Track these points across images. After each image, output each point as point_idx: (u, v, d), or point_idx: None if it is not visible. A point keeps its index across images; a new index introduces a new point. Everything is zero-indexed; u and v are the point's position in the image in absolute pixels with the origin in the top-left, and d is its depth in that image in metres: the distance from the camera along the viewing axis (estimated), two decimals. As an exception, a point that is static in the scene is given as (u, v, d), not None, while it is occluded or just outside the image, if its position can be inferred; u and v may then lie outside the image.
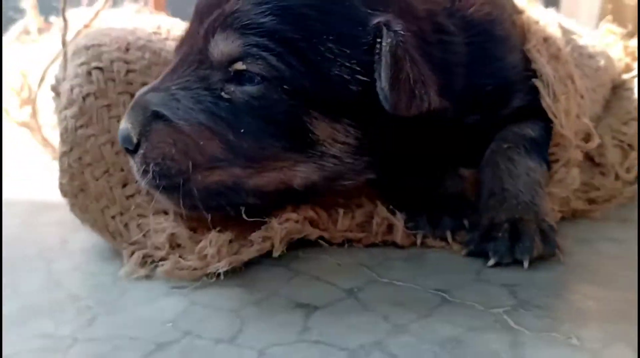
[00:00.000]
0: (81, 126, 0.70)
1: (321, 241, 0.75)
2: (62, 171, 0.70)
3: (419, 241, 0.75)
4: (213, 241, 0.64)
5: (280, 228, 0.68)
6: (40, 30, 1.24)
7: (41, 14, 1.23)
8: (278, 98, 0.64)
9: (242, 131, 0.65)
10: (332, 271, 0.71)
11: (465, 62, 0.76)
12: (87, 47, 0.76)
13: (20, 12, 1.25)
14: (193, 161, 0.64)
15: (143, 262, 0.67)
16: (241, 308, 0.61)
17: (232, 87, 0.65)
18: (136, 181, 0.67)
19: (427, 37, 0.72)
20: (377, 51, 0.64)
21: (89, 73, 0.73)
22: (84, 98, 0.71)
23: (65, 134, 0.70)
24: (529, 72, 0.84)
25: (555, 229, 0.73)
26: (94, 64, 0.73)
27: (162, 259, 0.66)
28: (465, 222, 0.77)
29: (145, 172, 0.64)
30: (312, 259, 0.73)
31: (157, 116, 0.65)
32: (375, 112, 0.66)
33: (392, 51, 0.64)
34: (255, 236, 0.68)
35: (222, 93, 0.65)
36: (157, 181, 0.64)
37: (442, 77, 0.70)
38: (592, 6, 1.95)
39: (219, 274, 0.65)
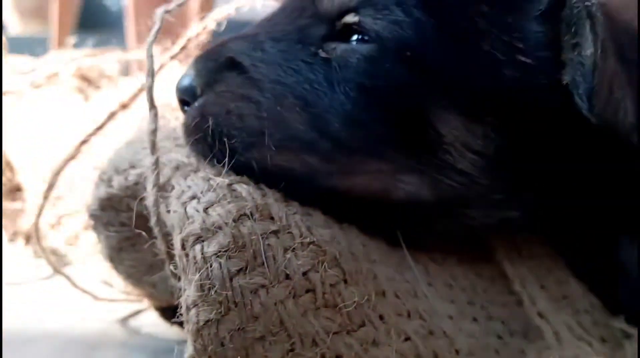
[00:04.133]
0: (239, 272, 0.37)
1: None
2: (202, 353, 0.36)
3: None
4: None
5: None
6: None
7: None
8: (394, 68, 0.42)
9: (335, 104, 0.42)
10: None
11: None
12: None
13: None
14: (263, 128, 0.43)
15: None
16: None
17: (333, 45, 0.44)
18: None
19: (625, 51, 0.48)
20: (569, 17, 0.42)
21: (231, 187, 0.40)
22: (235, 221, 0.38)
23: (207, 289, 0.36)
24: None
25: None
26: (233, 178, 0.41)
27: None
28: None
29: (196, 128, 0.44)
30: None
31: (232, 64, 0.46)
32: (533, 113, 0.43)
33: (596, 17, 0.41)
34: None
35: (320, 51, 0.45)
36: (211, 142, 0.43)
37: None
38: None
39: None
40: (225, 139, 0.43)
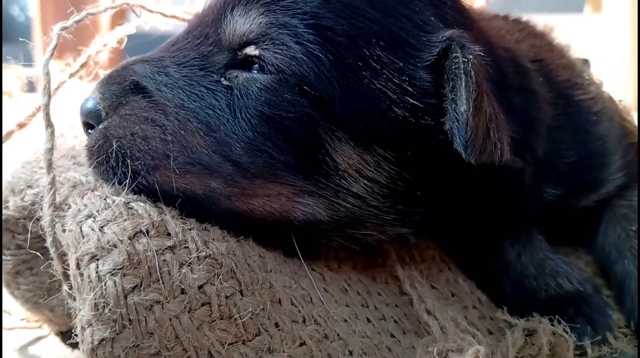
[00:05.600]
0: (134, 289, 0.37)
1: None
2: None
3: (592, 354, 0.53)
4: None
5: None
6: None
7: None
8: (293, 100, 0.44)
9: (237, 130, 0.43)
10: None
11: (549, 123, 0.59)
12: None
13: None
14: (167, 151, 0.44)
15: None
16: None
17: (235, 72, 0.46)
18: None
19: (508, 79, 0.54)
20: (449, 70, 0.45)
21: (128, 205, 0.40)
22: (131, 239, 0.38)
23: (101, 308, 0.36)
24: None
25: None
26: (130, 196, 0.41)
27: None
28: (614, 316, 0.58)
29: (100, 150, 0.44)
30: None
31: (136, 87, 0.46)
32: (421, 148, 0.47)
33: (474, 71, 0.44)
34: None
35: (222, 78, 0.46)
36: (114, 164, 0.44)
37: (519, 131, 0.53)
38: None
39: None
40: (129, 161, 0.43)
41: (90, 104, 0.47)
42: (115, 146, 0.44)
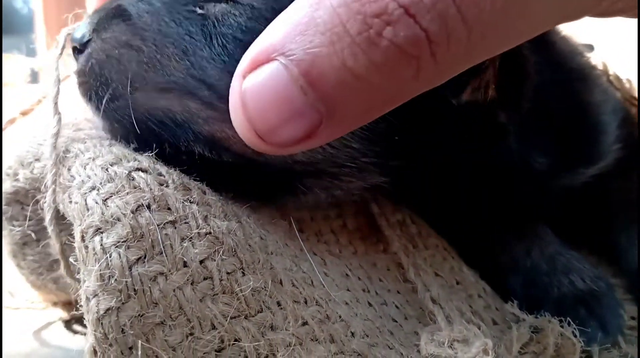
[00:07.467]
0: (138, 260, 0.38)
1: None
2: (103, 342, 0.37)
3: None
4: None
5: None
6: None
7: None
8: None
9: (212, 55, 0.44)
10: None
11: (534, 86, 0.56)
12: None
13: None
14: (144, 72, 0.46)
15: None
16: None
17: (212, 4, 0.46)
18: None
19: None
20: None
21: (130, 176, 0.42)
22: (133, 212, 0.39)
23: (107, 278, 0.38)
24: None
25: None
26: (131, 164, 0.43)
27: None
28: (625, 316, 0.58)
29: (82, 73, 0.48)
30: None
31: (120, 13, 0.48)
32: None
33: None
34: None
35: (197, 8, 0.47)
36: (94, 84, 0.47)
37: (503, 90, 0.51)
38: None
39: None
40: (107, 81, 0.46)
41: (80, 31, 0.49)
42: (95, 67, 0.47)
